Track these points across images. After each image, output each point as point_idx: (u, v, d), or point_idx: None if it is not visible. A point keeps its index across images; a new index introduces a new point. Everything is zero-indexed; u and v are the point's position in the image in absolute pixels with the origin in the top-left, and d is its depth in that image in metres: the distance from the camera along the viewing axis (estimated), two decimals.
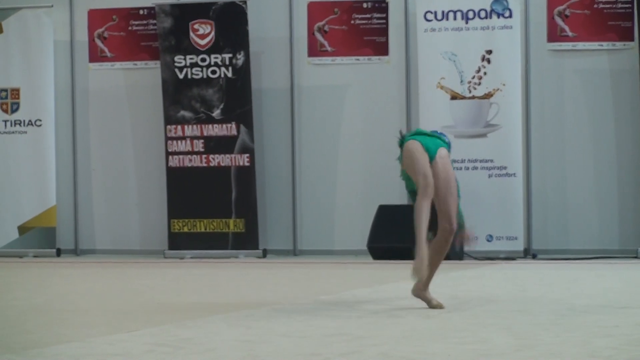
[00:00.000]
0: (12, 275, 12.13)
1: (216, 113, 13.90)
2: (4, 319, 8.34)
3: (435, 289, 9.81)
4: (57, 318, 8.41)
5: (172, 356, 6.43)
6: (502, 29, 13.18)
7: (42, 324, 8.05)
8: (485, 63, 13.18)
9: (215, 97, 13.91)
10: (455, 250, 12.79)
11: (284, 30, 14.01)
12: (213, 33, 13.91)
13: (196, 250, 13.84)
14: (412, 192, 8.47)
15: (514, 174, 13.14)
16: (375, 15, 13.78)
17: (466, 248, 12.08)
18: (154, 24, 14.17)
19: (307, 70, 14.04)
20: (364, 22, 13.68)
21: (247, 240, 13.80)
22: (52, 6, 14.32)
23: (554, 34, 13.29)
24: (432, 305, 8.27)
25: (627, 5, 13.00)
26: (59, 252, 14.30)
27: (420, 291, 8.25)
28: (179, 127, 13.97)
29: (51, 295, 10.21)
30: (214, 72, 13.92)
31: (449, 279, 10.92)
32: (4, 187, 14.32)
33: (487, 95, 13.14)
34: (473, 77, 13.22)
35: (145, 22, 14.35)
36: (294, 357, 6.29)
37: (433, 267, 8.23)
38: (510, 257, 12.96)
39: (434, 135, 8.56)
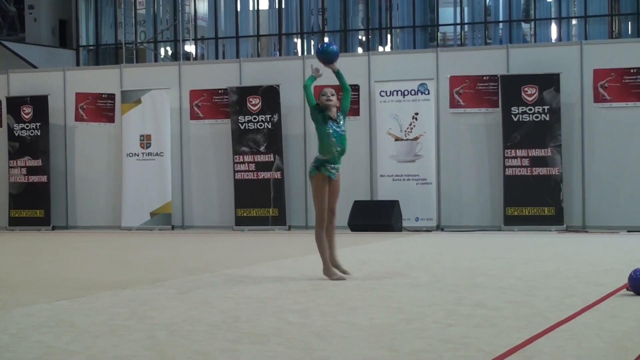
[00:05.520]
0: (145, 241, 12.17)
1: (262, 148, 13.91)
2: (139, 266, 8.39)
3: (384, 249, 9.83)
4: (170, 265, 8.45)
5: (238, 286, 6.48)
6: (424, 100, 13.20)
7: (162, 268, 8.09)
8: (414, 120, 13.21)
9: (261, 140, 13.93)
10: (398, 227, 12.84)
11: (299, 101, 14.02)
12: (260, 103, 13.93)
13: (251, 226, 13.85)
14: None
15: (430, 182, 13.16)
16: (352, 93, 13.73)
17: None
18: (227, 98, 14.20)
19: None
20: None
21: (279, 220, 13.80)
22: (169, 88, 14.36)
23: (453, 103, 13.31)
24: (340, 276, 6.75)
25: (494, 88, 13.06)
26: (173, 228, 14.31)
27: (330, 273, 6.79)
28: (241, 156, 13.98)
29: (167, 252, 10.27)
30: (260, 125, 13.94)
31: (393, 243, 10.97)
32: (142, 191, 14.35)
33: (416, 138, 13.15)
34: (407, 128, 13.24)
35: (221, 97, 14.37)
36: (309, 291, 6.32)
37: (333, 248, 6.85)
38: (428, 230, 12.97)
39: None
